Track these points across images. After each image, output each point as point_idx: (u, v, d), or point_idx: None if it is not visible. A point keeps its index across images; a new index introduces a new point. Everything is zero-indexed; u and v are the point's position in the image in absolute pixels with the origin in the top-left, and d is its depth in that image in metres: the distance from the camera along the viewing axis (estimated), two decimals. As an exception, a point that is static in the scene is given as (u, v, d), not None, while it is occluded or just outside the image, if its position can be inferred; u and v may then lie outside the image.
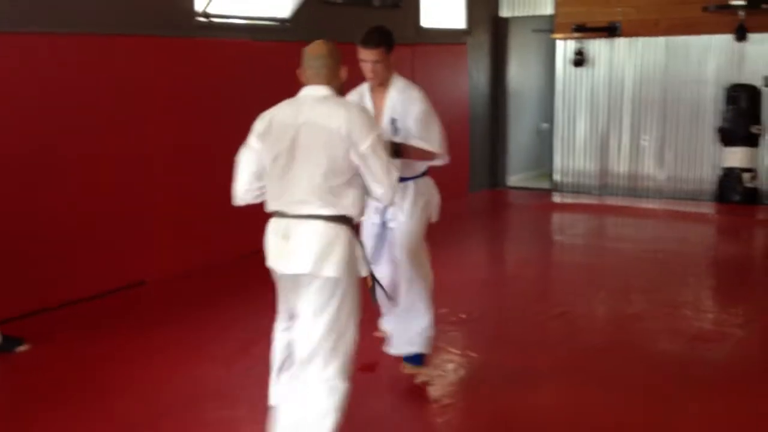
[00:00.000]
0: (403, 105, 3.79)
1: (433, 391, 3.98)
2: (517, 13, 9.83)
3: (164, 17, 5.92)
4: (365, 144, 2.91)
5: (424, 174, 3.96)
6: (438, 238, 3.96)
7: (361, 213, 3.07)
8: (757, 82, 8.51)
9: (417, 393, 3.96)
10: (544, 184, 9.98)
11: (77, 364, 4.34)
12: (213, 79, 6.29)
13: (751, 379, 4.08)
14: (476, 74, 9.63)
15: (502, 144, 10.16)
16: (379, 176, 2.95)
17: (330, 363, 2.92)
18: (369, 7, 7.80)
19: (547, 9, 9.58)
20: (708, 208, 8.65)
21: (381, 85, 3.83)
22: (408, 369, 4.08)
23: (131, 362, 4.36)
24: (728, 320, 5.09)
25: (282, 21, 6.95)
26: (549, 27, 9.62)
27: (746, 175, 8.54)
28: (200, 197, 6.18)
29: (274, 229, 3.01)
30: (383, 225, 3.95)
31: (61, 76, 5.21)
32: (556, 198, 9.59)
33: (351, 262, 2.96)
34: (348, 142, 2.89)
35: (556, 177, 9.79)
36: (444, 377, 4.14)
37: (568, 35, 9.33)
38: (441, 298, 5.08)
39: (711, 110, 8.79)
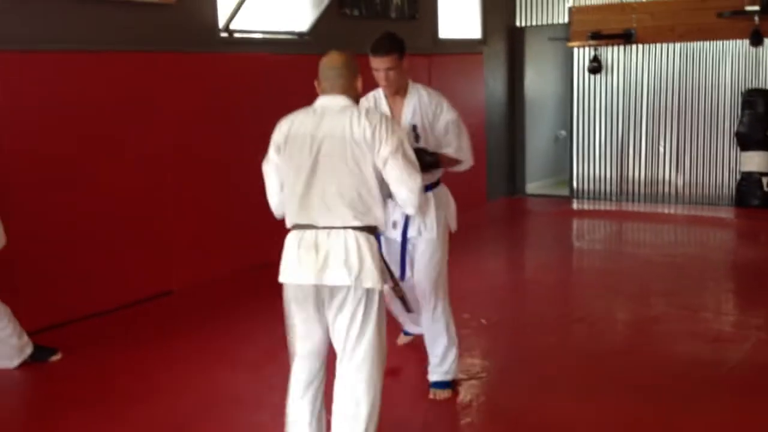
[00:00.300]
0: (429, 112, 3.77)
1: (455, 395, 4.03)
2: (532, 23, 9.92)
3: (188, 33, 6.06)
4: (388, 148, 2.91)
5: (438, 182, 3.93)
6: (457, 245, 3.99)
7: (385, 224, 3.09)
8: (774, 87, 8.56)
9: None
10: (563, 192, 10.04)
11: (106, 373, 4.46)
12: (235, 92, 6.43)
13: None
14: (492, 83, 9.72)
15: (520, 152, 10.24)
16: (404, 179, 2.94)
17: (373, 371, 3.01)
18: (386, 19, 7.92)
19: (563, 17, 9.66)
20: (726, 213, 8.69)
21: (396, 92, 3.81)
22: (435, 395, 4.00)
23: (157, 370, 4.47)
24: (747, 322, 5.14)
25: (301, 34, 7.09)
26: (565, 35, 9.71)
27: (765, 180, 8.55)
28: (225, 207, 6.32)
29: (298, 242, 2.96)
30: (404, 240, 3.87)
31: (88, 91, 5.36)
32: (575, 205, 9.65)
33: (376, 271, 2.96)
34: (372, 149, 2.90)
35: (575, 184, 9.85)
36: (466, 381, 4.20)
37: (583, 43, 9.41)
38: (461, 304, 5.16)
39: (728, 115, 8.84)
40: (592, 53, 9.46)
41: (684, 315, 5.30)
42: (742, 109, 8.64)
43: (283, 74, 6.76)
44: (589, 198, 9.74)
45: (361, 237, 2.92)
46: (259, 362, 4.55)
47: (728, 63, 8.81)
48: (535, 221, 9.24)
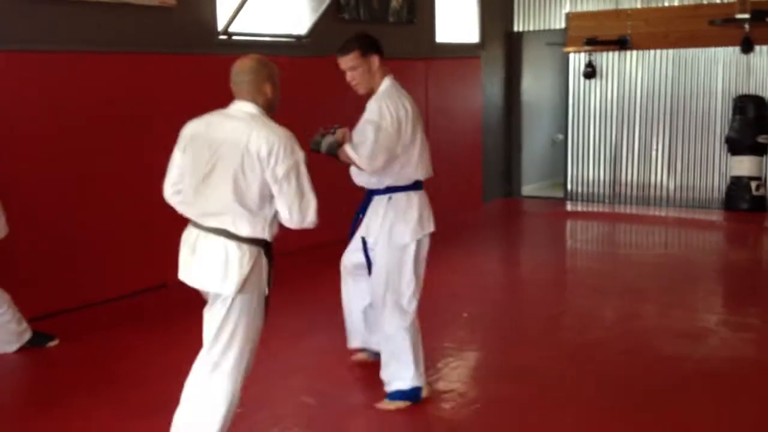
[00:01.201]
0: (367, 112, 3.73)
1: (441, 386, 4.13)
2: (530, 27, 10.11)
3: (187, 36, 6.29)
4: (281, 169, 2.90)
5: (403, 188, 3.79)
6: (449, 244, 4.04)
7: (275, 234, 3.07)
8: (764, 93, 8.73)
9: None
10: (558, 194, 10.22)
11: (101, 358, 4.69)
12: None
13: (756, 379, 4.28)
14: (490, 87, 9.92)
15: (516, 154, 10.43)
16: (292, 204, 2.94)
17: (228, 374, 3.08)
18: (384, 23, 8.12)
19: (560, 23, 9.85)
20: (716, 216, 8.86)
21: (369, 93, 3.76)
22: (385, 405, 3.85)
23: (151, 356, 4.69)
24: (722, 320, 5.33)
25: (299, 38, 7.31)
26: (562, 40, 9.89)
27: (754, 184, 8.72)
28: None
29: (185, 239, 3.08)
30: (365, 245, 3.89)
31: (89, 90, 5.59)
32: (569, 206, 9.84)
33: (254, 282, 3.00)
34: (265, 166, 2.90)
35: (569, 186, 10.04)
36: (449, 374, 4.34)
37: (579, 48, 9.60)
38: (451, 301, 5.37)
39: (719, 120, 9.02)
40: (587, 58, 9.64)
41: (662, 312, 5.50)
42: (733, 114, 8.81)
43: (281, 76, 6.96)
44: (583, 200, 9.93)
45: (233, 245, 2.94)
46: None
47: (720, 69, 8.99)
48: (528, 222, 9.44)
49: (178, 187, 3.16)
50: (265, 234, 3.01)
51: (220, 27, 6.57)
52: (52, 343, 4.86)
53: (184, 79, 6.23)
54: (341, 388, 4.18)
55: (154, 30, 6.03)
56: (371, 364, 4.22)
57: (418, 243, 3.80)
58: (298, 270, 6.62)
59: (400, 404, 3.82)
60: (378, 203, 3.83)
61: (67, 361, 4.66)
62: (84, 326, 5.24)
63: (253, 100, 3.04)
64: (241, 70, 3.07)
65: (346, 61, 3.72)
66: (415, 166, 3.80)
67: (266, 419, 3.78)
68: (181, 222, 6.42)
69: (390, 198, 3.80)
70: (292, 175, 2.93)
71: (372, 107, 3.73)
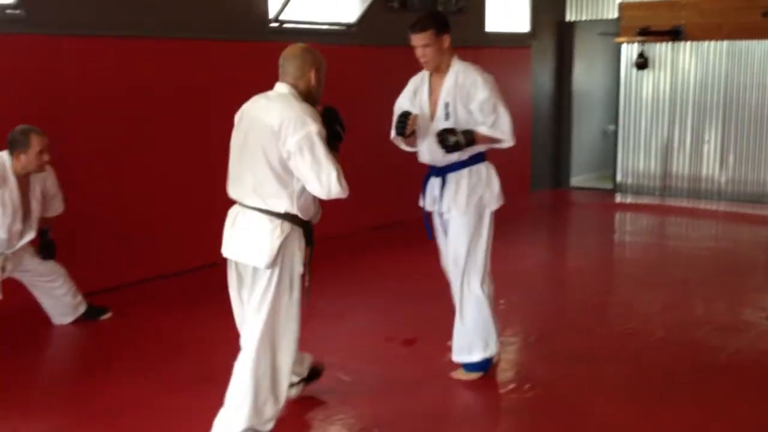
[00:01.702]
0: (464, 90, 3.75)
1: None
2: (582, 17, 10.06)
3: (240, 23, 6.46)
4: (293, 140, 2.99)
5: (478, 160, 3.90)
6: (496, 233, 4.07)
7: (309, 211, 3.19)
8: (821, 86, 8.56)
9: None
10: (608, 185, 10.17)
11: (152, 331, 4.92)
12: (283, 79, 6.79)
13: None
14: (540, 77, 9.91)
15: (566, 145, 10.40)
16: (308, 175, 3.03)
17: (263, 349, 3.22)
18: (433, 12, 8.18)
19: (613, 13, 9.78)
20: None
21: (438, 70, 3.83)
22: (459, 375, 4.04)
23: (199, 331, 4.89)
24: (760, 314, 5.30)
25: (349, 26, 7.43)
26: (615, 31, 9.82)
27: (807, 179, 8.58)
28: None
29: (228, 215, 3.26)
30: (441, 215, 3.97)
31: (146, 74, 5.81)
32: (618, 198, 9.79)
33: (287, 258, 3.13)
34: (277, 140, 3.02)
35: (619, 178, 9.99)
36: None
37: (632, 38, 9.52)
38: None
39: (773, 114, 8.87)
40: (639, 49, 9.56)
41: (704, 305, 5.50)
42: (788, 108, 8.67)
43: (330, 64, 7.06)
44: (632, 192, 9.86)
45: (264, 220, 3.09)
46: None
47: (775, 62, 8.84)
48: (575, 212, 9.43)
49: None
50: (293, 209, 3.12)
51: (272, 15, 6.72)
52: (106, 316, 5.09)
53: (236, 66, 6.40)
54: (377, 366, 4.30)
55: (207, 17, 6.21)
56: (409, 343, 4.34)
57: (492, 213, 3.97)
58: (339, 253, 6.77)
59: (474, 376, 4.02)
60: (458, 177, 3.89)
61: (118, 334, 4.89)
62: (137, 301, 5.48)
63: (294, 84, 3.17)
64: (289, 54, 3.21)
65: (420, 39, 3.76)
66: None
67: (304, 394, 3.91)
68: (229, 203, 6.65)
69: (470, 170, 3.89)
70: (304, 146, 3.01)
71: (477, 83, 3.76)
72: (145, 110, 5.84)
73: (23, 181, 4.49)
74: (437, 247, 4.17)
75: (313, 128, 3.05)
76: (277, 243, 3.09)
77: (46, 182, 4.65)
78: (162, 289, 5.80)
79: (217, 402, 3.82)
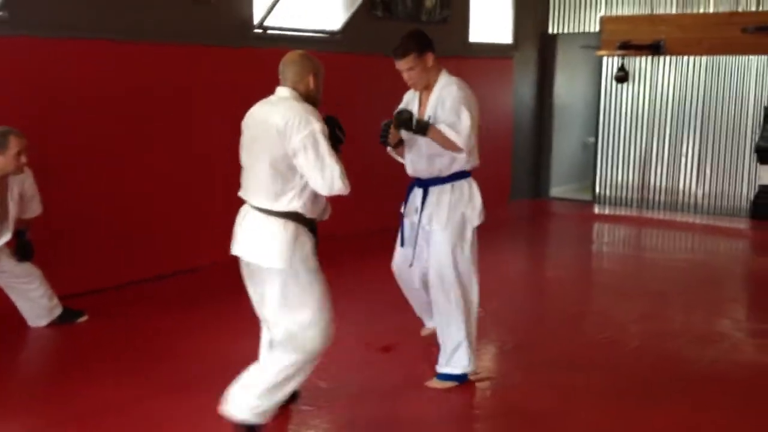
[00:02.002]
0: (441, 100, 3.85)
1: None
2: (565, 30, 10.16)
3: (224, 29, 6.47)
4: (297, 137, 3.08)
5: (462, 176, 4.00)
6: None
7: (315, 210, 3.27)
8: (797, 103, 8.71)
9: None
10: (587, 196, 10.26)
11: (130, 335, 4.90)
12: (267, 85, 6.77)
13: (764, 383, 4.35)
14: (522, 88, 9.99)
15: (546, 156, 10.49)
16: (312, 172, 3.11)
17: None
18: (417, 21, 8.24)
19: (594, 26, 9.89)
20: (743, 224, 8.84)
21: (426, 88, 3.94)
22: (433, 383, 4.09)
23: (178, 335, 4.89)
24: (737, 325, 5.38)
25: (333, 33, 7.46)
26: (596, 44, 9.91)
27: (782, 193, 8.70)
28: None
29: (239, 213, 3.40)
30: (420, 226, 4.04)
31: (129, 78, 5.80)
32: (596, 209, 9.88)
33: (296, 255, 3.18)
34: (283, 139, 3.11)
35: (598, 189, 10.08)
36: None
37: (612, 52, 9.62)
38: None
39: (749, 129, 9.00)
40: (620, 62, 9.67)
41: (680, 315, 5.58)
42: (764, 123, 8.78)
43: (324, 74, 7.13)
44: (611, 204, 9.96)
45: (270, 220, 3.19)
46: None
47: (752, 78, 8.97)
48: (553, 222, 9.50)
49: None
50: (298, 207, 3.20)
51: (256, 21, 6.74)
52: (82, 320, 5.07)
53: (220, 71, 6.43)
54: (354, 372, 4.31)
55: (192, 23, 6.22)
56: (388, 349, 4.36)
57: (475, 229, 4.06)
58: (325, 258, 6.78)
59: (449, 384, 4.07)
60: (440, 191, 3.99)
61: (94, 337, 4.87)
62: (113, 305, 5.45)
63: (294, 88, 3.28)
64: (288, 60, 3.34)
65: (404, 64, 3.87)
66: (476, 154, 4.00)
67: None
68: (214, 209, 6.65)
69: (452, 185, 3.99)
70: (308, 144, 3.10)
71: (452, 92, 3.84)
72: (136, 113, 5.84)
73: (1, 183, 4.47)
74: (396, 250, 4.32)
75: (316, 126, 3.14)
76: (285, 242, 3.17)
77: (24, 184, 4.64)
78: (139, 293, 5.77)
79: (199, 406, 3.84)
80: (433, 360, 4.20)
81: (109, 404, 3.88)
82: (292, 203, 3.20)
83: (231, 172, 6.62)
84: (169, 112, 6.09)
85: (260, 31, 6.81)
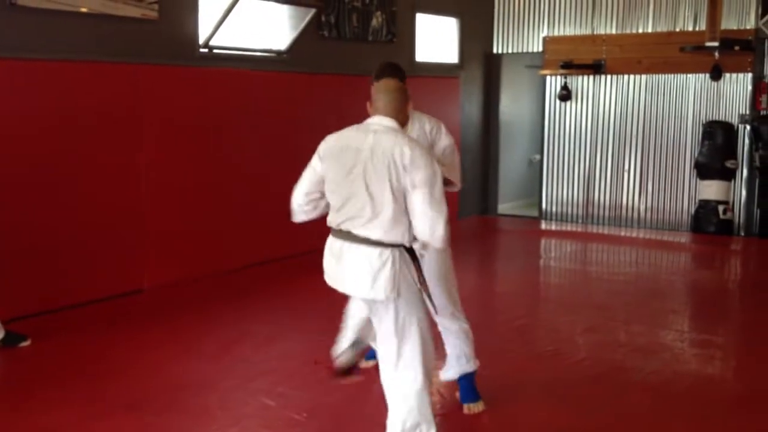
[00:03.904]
0: (429, 137, 3.90)
1: None
2: (509, 50, 10.34)
3: (169, 48, 6.44)
4: (419, 176, 3.03)
5: None
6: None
7: (411, 240, 3.20)
8: (733, 120, 8.98)
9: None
10: (533, 213, 10.42)
11: (74, 358, 4.81)
12: (213, 105, 6.80)
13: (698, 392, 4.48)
14: (468, 106, 10.13)
15: (493, 173, 10.64)
16: (426, 211, 3.05)
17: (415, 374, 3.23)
18: (364, 41, 8.32)
19: (538, 46, 10.09)
20: (685, 238, 9.07)
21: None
22: (474, 407, 4.11)
23: (124, 357, 4.81)
24: (678, 336, 5.51)
25: (279, 53, 7.48)
26: (540, 63, 10.12)
27: (721, 208, 8.95)
28: (200, 213, 6.68)
29: (330, 246, 3.23)
30: None
31: (70, 98, 5.73)
32: (543, 225, 10.04)
33: (404, 282, 3.14)
34: (407, 173, 3.04)
35: (544, 205, 10.25)
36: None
37: (555, 71, 9.83)
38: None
39: (689, 145, 9.26)
40: (563, 81, 9.87)
41: (622, 327, 5.68)
42: (702, 139, 9.05)
43: (260, 90, 7.16)
44: (557, 219, 10.14)
45: (377, 252, 3.09)
46: (217, 354, 4.90)
47: (690, 96, 9.25)
48: (500, 239, 9.63)
49: (312, 197, 3.32)
50: (405, 240, 3.14)
51: (202, 40, 6.73)
52: (25, 343, 4.96)
53: (165, 90, 6.39)
54: (302, 391, 4.31)
55: (135, 41, 6.18)
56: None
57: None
58: (273, 278, 6.79)
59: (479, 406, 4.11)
60: None
61: (38, 361, 4.76)
62: (57, 329, 5.35)
63: (395, 117, 3.22)
64: (389, 89, 3.28)
65: None
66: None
67: (227, 420, 3.91)
68: (159, 230, 6.58)
69: None
70: (428, 183, 3.06)
71: (440, 128, 3.97)
72: (71, 134, 5.75)
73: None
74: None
75: (439, 169, 3.13)
76: (391, 273, 3.10)
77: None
78: (83, 316, 5.67)
79: (144, 427, 3.79)
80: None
81: (52, 427, 3.81)
82: (401, 235, 3.12)
83: (176, 193, 6.66)
84: (111, 133, 6.01)
85: (206, 50, 6.79)
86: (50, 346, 4.99)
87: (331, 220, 3.22)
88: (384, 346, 3.25)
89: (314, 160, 3.30)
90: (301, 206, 3.36)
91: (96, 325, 5.46)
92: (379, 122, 3.19)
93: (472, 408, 4.09)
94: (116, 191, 6.09)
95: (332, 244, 3.22)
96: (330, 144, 3.25)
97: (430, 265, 3.96)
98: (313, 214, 3.38)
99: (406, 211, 3.09)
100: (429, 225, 3.07)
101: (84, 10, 5.76)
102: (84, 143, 5.85)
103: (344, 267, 3.16)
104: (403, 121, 3.28)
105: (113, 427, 3.84)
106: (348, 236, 3.14)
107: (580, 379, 4.56)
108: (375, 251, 3.09)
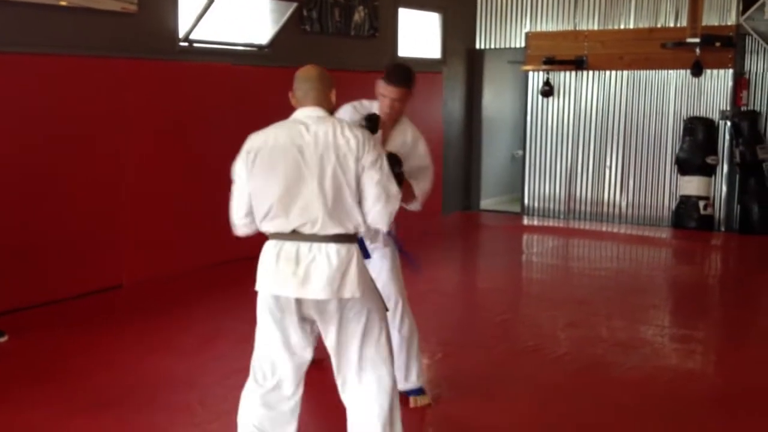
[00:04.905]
0: (407, 148, 3.78)
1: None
2: (491, 45, 10.34)
3: (148, 41, 6.39)
4: (370, 158, 2.91)
5: None
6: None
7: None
8: (714, 116, 9.03)
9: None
10: (516, 208, 10.43)
11: (53, 354, 4.76)
12: (193, 99, 6.75)
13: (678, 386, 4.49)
14: (451, 102, 10.12)
15: (476, 169, 10.64)
16: (381, 189, 2.93)
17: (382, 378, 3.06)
18: (346, 36, 8.29)
19: (520, 42, 10.10)
20: (665, 233, 9.11)
21: (390, 120, 3.81)
22: (422, 401, 4.04)
23: (103, 353, 4.77)
24: (658, 331, 5.53)
25: (260, 47, 7.44)
26: (522, 59, 10.12)
27: (702, 203, 9.00)
28: (178, 208, 6.63)
29: (277, 252, 2.92)
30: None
31: (48, 92, 5.67)
32: (525, 221, 10.05)
33: (365, 278, 3.01)
34: (356, 158, 2.90)
35: (526, 201, 10.27)
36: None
37: (538, 67, 9.84)
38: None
39: (670, 141, 9.30)
40: (545, 77, 9.89)
41: (603, 322, 5.69)
42: (683, 135, 9.10)
43: (241, 84, 7.11)
44: (539, 215, 10.15)
45: (344, 248, 2.91)
46: (196, 350, 4.87)
47: (672, 92, 9.28)
48: (483, 234, 9.64)
49: (247, 218, 3.06)
50: (360, 231, 3.01)
51: (182, 34, 6.67)
52: (2, 340, 4.91)
53: (144, 84, 6.33)
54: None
55: (115, 35, 6.12)
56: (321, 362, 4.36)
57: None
58: (252, 274, 6.73)
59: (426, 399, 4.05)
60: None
61: (14, 357, 4.72)
62: (35, 325, 5.30)
63: (320, 105, 3.04)
64: (309, 77, 3.06)
65: (396, 93, 3.74)
66: None
67: (207, 416, 3.89)
68: (136, 224, 6.51)
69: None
70: (379, 164, 2.95)
71: (418, 138, 3.87)
72: (49, 129, 5.69)
73: None
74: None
75: (381, 149, 3.06)
76: (358, 267, 2.93)
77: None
78: (61, 312, 5.61)
79: (118, 426, 3.76)
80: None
81: (30, 425, 3.77)
82: (359, 226, 2.97)
83: (155, 188, 6.60)
84: (90, 128, 5.96)
85: (186, 44, 6.74)
86: (28, 343, 4.94)
87: (279, 225, 2.93)
88: (343, 352, 3.03)
89: (240, 171, 3.02)
90: (246, 225, 3.10)
91: (74, 321, 5.40)
92: (308, 113, 3.01)
93: (418, 401, 4.02)
94: (95, 186, 6.03)
95: (283, 248, 2.92)
96: (258, 144, 2.99)
97: (383, 261, 3.91)
98: (253, 227, 3.09)
99: (356, 198, 2.93)
100: (385, 199, 2.95)
101: (63, 3, 5.70)
102: (62, 138, 5.78)
103: (306, 269, 2.88)
104: (328, 110, 3.07)
105: (92, 424, 3.80)
106: (305, 237, 2.90)
107: (561, 374, 4.56)
108: (341, 248, 2.90)
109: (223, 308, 5.78)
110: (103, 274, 6.14)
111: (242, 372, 4.42)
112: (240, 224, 3.11)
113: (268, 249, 2.97)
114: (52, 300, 5.72)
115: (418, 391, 4.05)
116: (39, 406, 3.97)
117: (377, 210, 2.95)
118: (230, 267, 6.91)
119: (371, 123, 3.59)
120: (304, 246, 2.90)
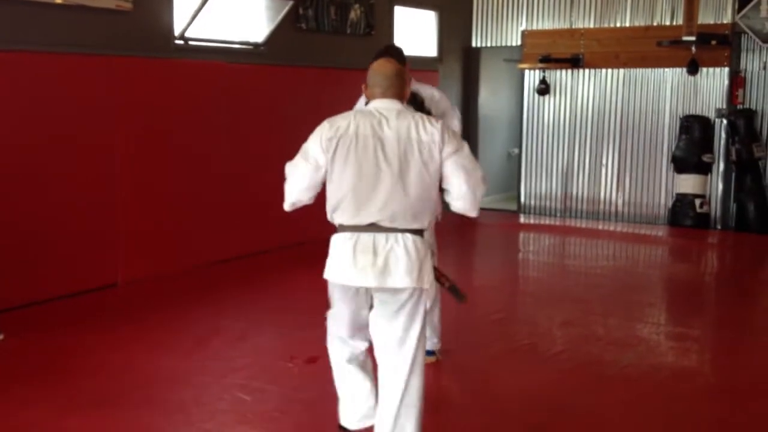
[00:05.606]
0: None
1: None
2: (488, 44, 10.34)
3: (144, 39, 6.37)
4: (452, 146, 2.98)
5: None
6: None
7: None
8: (710, 114, 9.03)
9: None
10: (512, 206, 10.43)
11: (48, 353, 4.74)
12: (189, 97, 6.73)
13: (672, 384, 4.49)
14: (447, 100, 10.09)
15: (472, 167, 10.60)
16: (468, 171, 3.00)
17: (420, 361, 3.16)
18: (342, 34, 8.27)
19: (516, 40, 10.09)
20: (662, 232, 9.12)
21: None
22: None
23: (98, 352, 4.75)
24: (653, 329, 5.53)
25: (256, 45, 7.42)
26: (518, 57, 10.12)
27: (698, 201, 9.00)
28: (174, 206, 6.61)
29: (353, 244, 2.98)
30: None
31: (43, 90, 5.64)
32: (522, 219, 10.06)
33: (431, 268, 3.09)
34: (440, 150, 2.96)
35: (522, 199, 10.27)
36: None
37: (534, 65, 9.84)
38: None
39: (666, 139, 9.30)
40: (541, 75, 9.88)
41: (599, 320, 5.68)
42: (679, 133, 9.10)
43: (237, 83, 7.10)
44: (535, 213, 10.15)
45: (419, 240, 2.99)
46: (191, 350, 4.85)
47: (668, 90, 9.28)
48: (480, 233, 9.61)
49: (312, 192, 3.14)
50: (430, 224, 3.11)
51: (177, 32, 6.66)
52: (-2, 338, 4.91)
53: (140, 82, 6.31)
54: (278, 386, 4.27)
55: (110, 33, 6.11)
56: (312, 361, 4.34)
57: None
58: (247, 273, 6.74)
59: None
60: None
61: (9, 356, 4.70)
62: (30, 324, 5.28)
63: (399, 99, 3.12)
64: (390, 73, 3.12)
65: None
66: None
67: (202, 415, 3.87)
68: (132, 223, 6.49)
69: None
70: (464, 151, 3.04)
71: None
72: (45, 127, 5.67)
73: None
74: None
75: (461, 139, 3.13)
76: (429, 258, 3.05)
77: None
78: (57, 310, 5.60)
79: (113, 425, 3.74)
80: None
81: (25, 424, 3.76)
82: (431, 219, 3.07)
83: (150, 186, 6.58)
84: (85, 126, 5.94)
85: (181, 42, 6.73)
86: (23, 342, 4.92)
87: (355, 218, 2.98)
88: (392, 328, 3.10)
89: (314, 151, 3.04)
90: (300, 202, 3.19)
91: (69, 320, 5.39)
92: (387, 105, 3.06)
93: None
94: (90, 184, 6.02)
95: (359, 239, 2.97)
96: (340, 132, 2.99)
97: None
98: (309, 196, 3.18)
99: (436, 193, 3.02)
100: (474, 183, 3.03)
101: (58, 1, 5.68)
102: (57, 136, 5.76)
103: (385, 259, 2.94)
104: (404, 104, 3.15)
105: (87, 423, 3.78)
106: (382, 229, 2.96)
107: (557, 372, 4.56)
108: (416, 239, 2.98)
109: (219, 307, 5.77)
110: (98, 272, 6.12)
111: (239, 371, 4.44)
112: (295, 200, 3.18)
113: (343, 241, 3.02)
114: (47, 298, 5.70)
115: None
116: (34, 405, 3.95)
117: (462, 190, 3.02)
118: (226, 266, 6.91)
119: (417, 104, 3.59)
120: (380, 237, 2.97)
